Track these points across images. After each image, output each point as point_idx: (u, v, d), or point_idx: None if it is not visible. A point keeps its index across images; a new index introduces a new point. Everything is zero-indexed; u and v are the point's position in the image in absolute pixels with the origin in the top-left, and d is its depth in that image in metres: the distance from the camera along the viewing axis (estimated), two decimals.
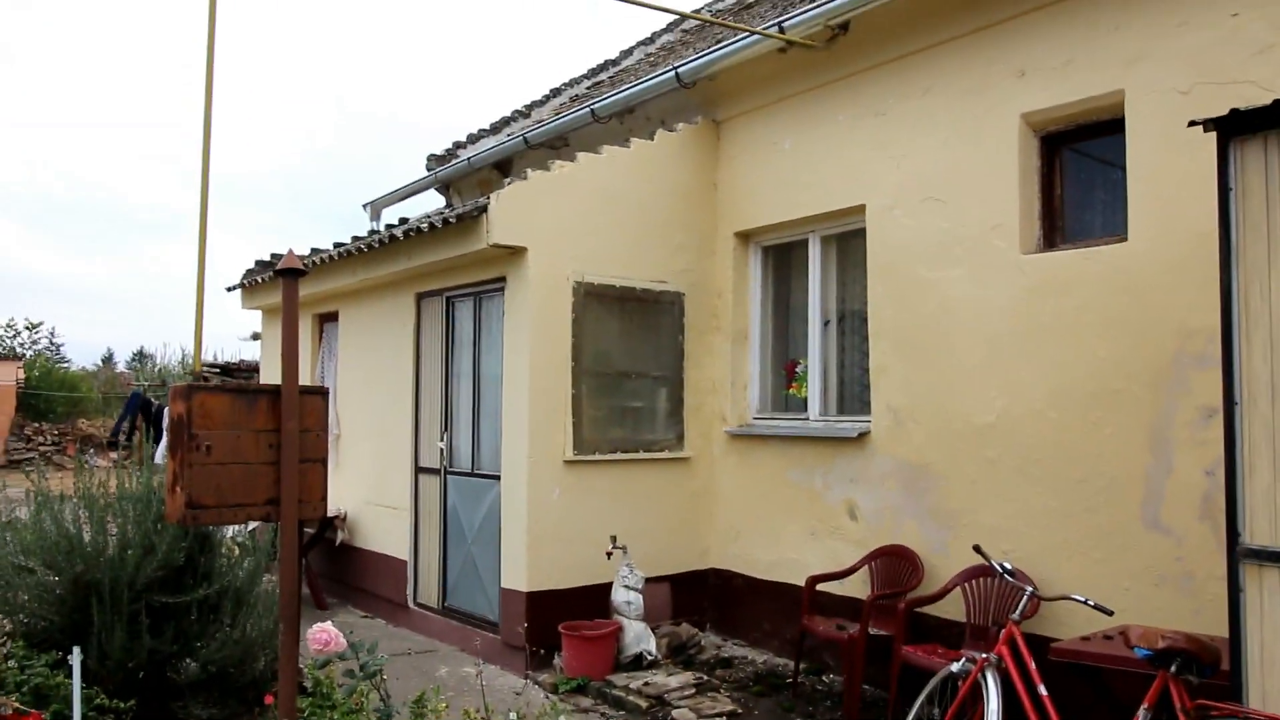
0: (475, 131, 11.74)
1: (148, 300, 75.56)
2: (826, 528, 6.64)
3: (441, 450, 7.97)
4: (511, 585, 6.89)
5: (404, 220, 10.47)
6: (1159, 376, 4.90)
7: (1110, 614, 4.19)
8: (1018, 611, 4.27)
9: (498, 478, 7.20)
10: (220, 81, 5.74)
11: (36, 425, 28.55)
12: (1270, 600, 3.44)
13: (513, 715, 3.31)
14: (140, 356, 40.75)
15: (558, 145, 9.01)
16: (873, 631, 5.65)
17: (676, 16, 10.67)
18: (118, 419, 23.22)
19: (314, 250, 9.68)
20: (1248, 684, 3.47)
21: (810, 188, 6.98)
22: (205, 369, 20.24)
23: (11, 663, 4.49)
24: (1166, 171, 4.92)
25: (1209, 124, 3.70)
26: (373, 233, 8.55)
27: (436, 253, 7.42)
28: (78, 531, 5.30)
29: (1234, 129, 3.64)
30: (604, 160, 7.27)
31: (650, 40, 11.94)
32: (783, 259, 7.59)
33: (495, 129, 11.53)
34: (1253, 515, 3.50)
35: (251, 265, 10.99)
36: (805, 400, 7.15)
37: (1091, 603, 4.14)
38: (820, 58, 6.83)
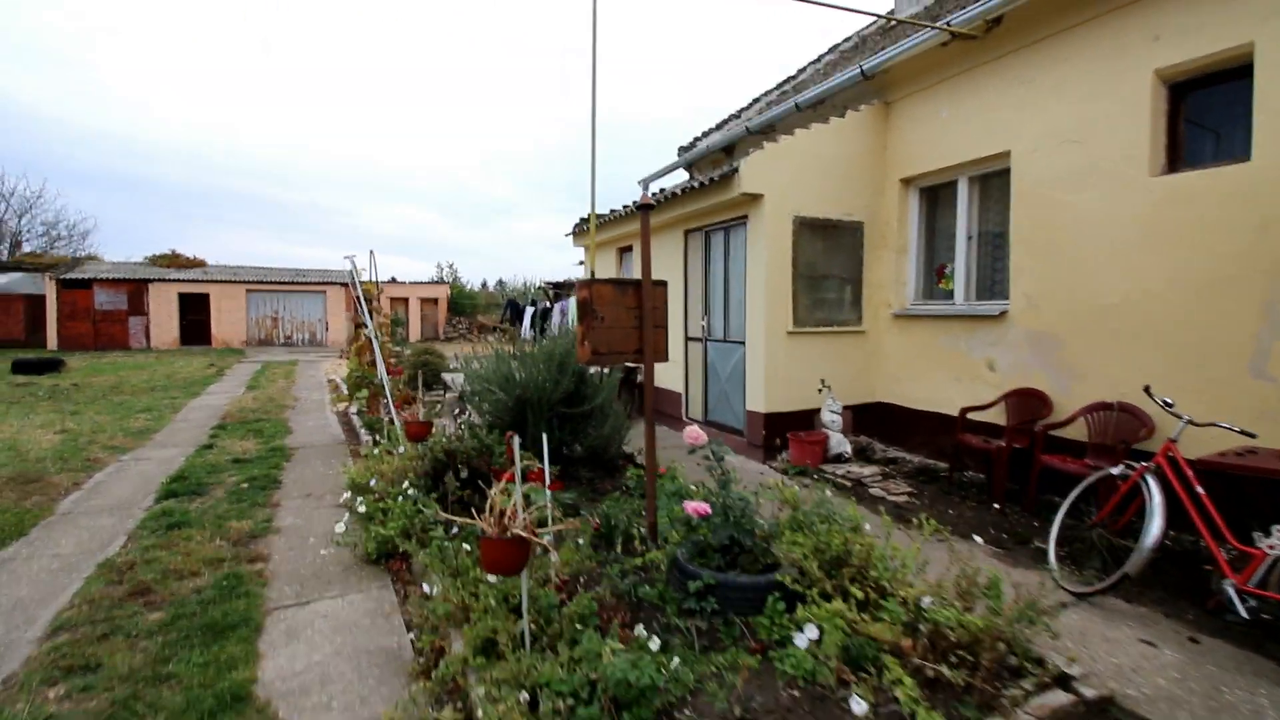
0: (706, 130, 10.95)
1: (502, 250, 79.79)
2: (969, 376, 5.81)
3: (703, 325, 7.66)
4: (754, 408, 6.55)
5: (662, 189, 9.97)
6: (1277, 265, 3.76)
7: (1254, 436, 3.29)
8: (1176, 433, 3.35)
9: (742, 342, 6.79)
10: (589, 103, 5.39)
11: (456, 318, 31.04)
12: None
13: (762, 480, 2.97)
14: (500, 282, 43.30)
15: (766, 131, 8.15)
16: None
17: (875, 18, 9.42)
18: (501, 314, 24.34)
19: (612, 210, 9.40)
20: None
21: (962, 142, 5.87)
22: (548, 284, 20.80)
23: (480, 436, 4.65)
24: None
25: None
26: (653, 195, 8.15)
27: (699, 203, 6.92)
28: (513, 371, 5.42)
29: None
30: (811, 134, 6.43)
31: (817, 60, 10.58)
32: (933, 196, 6.54)
33: (719, 127, 10.70)
34: None
35: (576, 221, 10.94)
36: (951, 292, 6.21)
37: (1237, 429, 3.27)
38: (975, 46, 5.63)
